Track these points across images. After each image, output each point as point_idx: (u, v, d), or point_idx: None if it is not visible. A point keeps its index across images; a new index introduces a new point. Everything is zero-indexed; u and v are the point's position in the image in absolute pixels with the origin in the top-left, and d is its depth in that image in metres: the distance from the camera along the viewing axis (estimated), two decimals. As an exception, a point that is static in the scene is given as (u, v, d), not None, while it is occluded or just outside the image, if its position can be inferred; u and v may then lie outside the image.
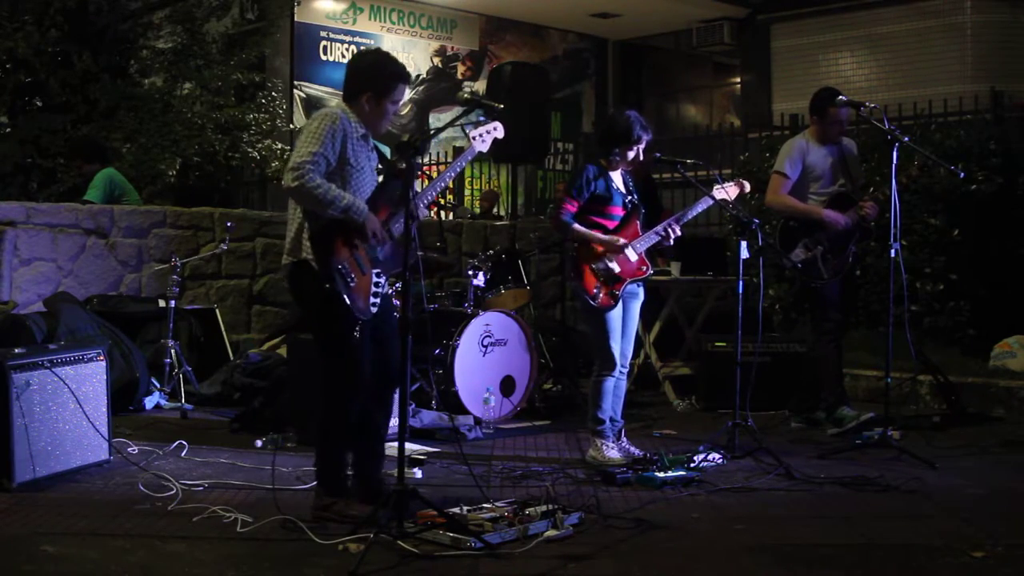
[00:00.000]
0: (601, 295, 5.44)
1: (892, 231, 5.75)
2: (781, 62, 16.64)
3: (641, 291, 5.68)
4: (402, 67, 4.53)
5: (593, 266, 5.46)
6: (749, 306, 5.94)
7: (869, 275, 8.18)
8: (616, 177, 5.59)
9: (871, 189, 6.79)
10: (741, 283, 5.69)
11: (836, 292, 6.47)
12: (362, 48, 5.08)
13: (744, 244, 5.68)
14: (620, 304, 5.48)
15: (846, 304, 6.69)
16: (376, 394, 4.48)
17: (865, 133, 8.41)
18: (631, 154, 5.52)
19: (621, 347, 5.57)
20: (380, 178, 4.49)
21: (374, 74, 4.41)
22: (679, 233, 5.65)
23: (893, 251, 5.74)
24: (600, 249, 5.47)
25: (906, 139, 5.84)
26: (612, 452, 5.48)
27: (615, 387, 5.59)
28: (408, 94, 16.82)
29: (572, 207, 5.47)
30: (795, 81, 15.82)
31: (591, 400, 5.57)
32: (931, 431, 6.50)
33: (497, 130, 4.86)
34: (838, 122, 6.43)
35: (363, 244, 4.31)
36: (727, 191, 5.79)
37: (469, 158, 4.78)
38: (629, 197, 5.60)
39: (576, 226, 5.46)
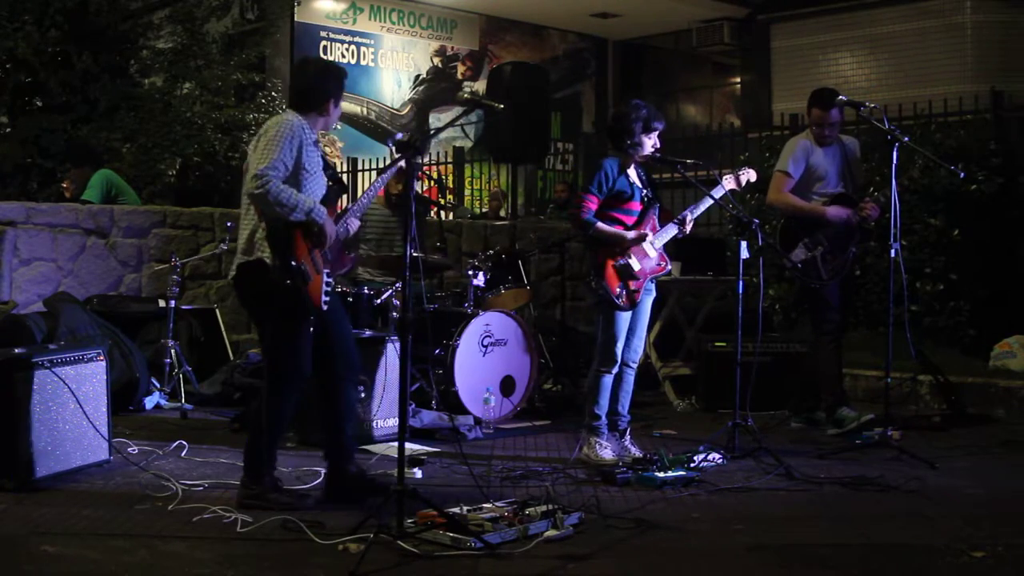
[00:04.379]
0: (625, 294, 5.43)
1: (892, 231, 5.75)
2: (781, 62, 16.63)
3: (653, 288, 5.68)
4: (344, 71, 4.81)
5: (616, 264, 5.45)
6: (749, 306, 5.94)
7: (869, 275, 8.18)
8: (632, 172, 5.57)
9: (871, 190, 6.78)
10: (741, 283, 5.69)
11: (835, 293, 6.46)
12: (307, 59, 5.49)
13: (744, 244, 5.68)
14: None
15: (845, 305, 6.68)
16: (340, 379, 4.70)
17: (865, 133, 8.40)
18: (648, 144, 5.49)
19: (632, 343, 5.59)
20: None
21: (335, 82, 4.70)
22: (692, 224, 5.66)
23: (893, 251, 5.73)
24: (623, 246, 5.45)
25: (906, 139, 5.84)
26: (605, 452, 5.47)
27: (623, 382, 5.61)
28: (408, 94, 16.85)
29: (593, 204, 5.43)
30: (795, 81, 15.80)
31: (589, 395, 5.57)
32: (931, 431, 6.50)
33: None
34: (819, 125, 6.39)
35: (318, 245, 4.53)
36: (733, 181, 5.77)
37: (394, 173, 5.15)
38: (645, 191, 5.59)
39: (599, 224, 5.44)
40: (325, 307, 4.55)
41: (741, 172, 5.83)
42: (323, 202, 4.57)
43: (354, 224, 4.81)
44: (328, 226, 4.51)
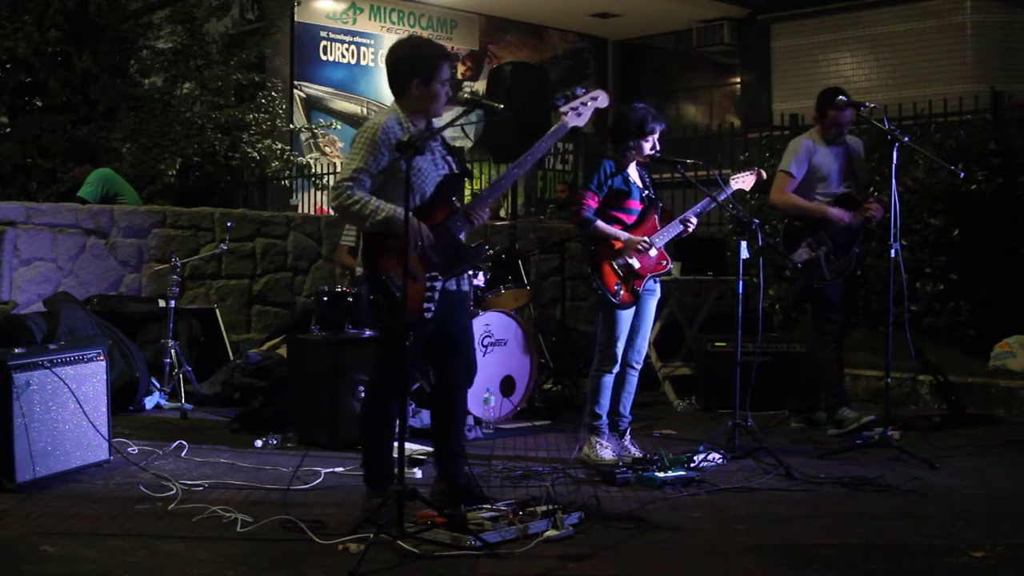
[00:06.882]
0: (622, 292, 5.43)
1: (892, 231, 5.75)
2: (781, 62, 16.64)
3: (658, 288, 5.67)
4: (441, 46, 4.52)
5: (613, 263, 5.44)
6: (749, 306, 5.94)
7: (869, 275, 8.18)
8: (632, 172, 5.58)
9: (872, 190, 6.77)
10: (741, 283, 5.69)
11: (838, 293, 6.46)
12: (396, 41, 4.71)
13: (744, 244, 5.67)
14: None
15: (847, 305, 6.68)
16: (455, 388, 4.50)
17: (865, 133, 8.40)
18: (646, 146, 5.49)
19: (636, 343, 5.58)
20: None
21: (417, 60, 4.39)
22: (695, 224, 5.66)
23: (893, 251, 5.73)
24: (620, 246, 5.46)
25: (906, 139, 5.84)
26: (605, 452, 5.46)
27: (627, 383, 5.60)
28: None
29: (593, 202, 5.44)
30: (795, 81, 15.82)
31: (590, 395, 5.56)
32: (931, 431, 6.49)
33: (599, 99, 4.61)
34: (837, 125, 6.41)
35: (412, 251, 4.17)
36: (744, 181, 5.79)
37: (560, 135, 4.59)
38: (646, 191, 5.59)
39: (599, 223, 5.44)
40: (429, 315, 4.25)
41: (750, 174, 5.84)
42: (434, 198, 4.29)
43: (481, 215, 4.41)
44: (413, 229, 4.12)
